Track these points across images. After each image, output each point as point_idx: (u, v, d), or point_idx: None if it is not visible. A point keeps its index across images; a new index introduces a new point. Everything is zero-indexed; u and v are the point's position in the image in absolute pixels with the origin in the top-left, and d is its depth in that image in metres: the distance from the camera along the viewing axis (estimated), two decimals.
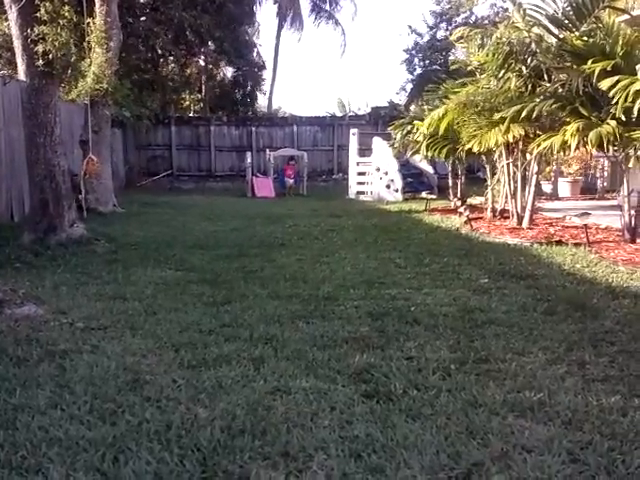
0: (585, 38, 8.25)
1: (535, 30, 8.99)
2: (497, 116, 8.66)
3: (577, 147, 7.83)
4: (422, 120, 12.18)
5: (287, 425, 2.85)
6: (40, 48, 7.17)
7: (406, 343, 4.01)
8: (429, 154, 12.42)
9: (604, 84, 7.12)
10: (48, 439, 2.70)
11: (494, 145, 9.32)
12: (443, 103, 10.46)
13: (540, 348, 3.92)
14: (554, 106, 7.88)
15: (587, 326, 4.37)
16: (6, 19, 13.08)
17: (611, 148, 7.95)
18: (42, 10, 7.09)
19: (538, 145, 8.17)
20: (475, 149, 9.57)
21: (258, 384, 3.33)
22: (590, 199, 14.45)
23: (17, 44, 7.52)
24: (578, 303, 4.94)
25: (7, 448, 2.63)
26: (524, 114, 7.98)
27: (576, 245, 7.78)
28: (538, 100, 8.21)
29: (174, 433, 2.76)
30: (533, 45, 8.76)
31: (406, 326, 4.40)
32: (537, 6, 8.94)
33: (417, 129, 12.19)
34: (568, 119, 7.85)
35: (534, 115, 7.93)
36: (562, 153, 10.24)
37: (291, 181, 18.27)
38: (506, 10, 20.92)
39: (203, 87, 25.23)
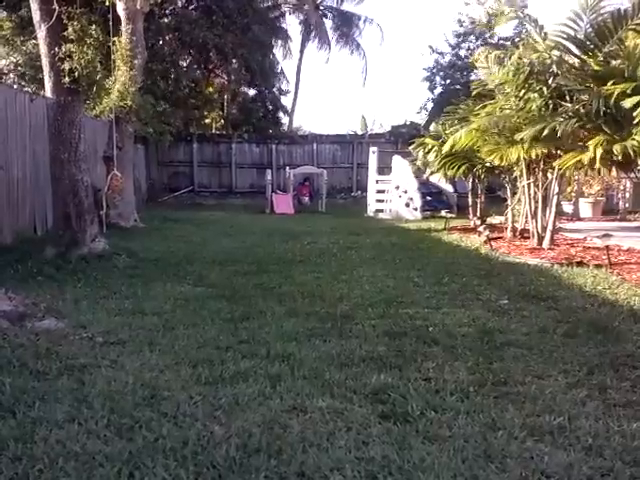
0: (607, 61, 8.24)
1: (555, 52, 8.98)
2: (520, 135, 8.62)
3: (596, 161, 7.77)
4: (438, 139, 12.25)
5: (303, 445, 2.83)
6: (67, 66, 7.32)
7: (424, 364, 3.98)
8: (449, 173, 12.45)
9: (627, 102, 7.09)
10: (65, 453, 2.72)
11: (515, 160, 9.27)
12: (463, 123, 10.48)
13: (560, 371, 3.87)
14: (577, 124, 7.85)
15: (608, 349, 4.30)
16: (33, 39, 13.45)
17: (635, 167, 7.89)
18: (70, 29, 7.26)
19: (563, 162, 8.12)
20: (496, 162, 9.53)
21: (274, 402, 3.32)
22: (612, 220, 14.30)
23: (45, 62, 7.69)
24: (599, 326, 4.87)
25: (25, 461, 2.65)
26: (546, 132, 7.95)
27: (597, 267, 7.68)
28: (560, 119, 8.17)
29: (190, 450, 2.76)
30: (554, 66, 8.75)
31: (424, 346, 4.37)
32: (560, 29, 8.94)
33: (432, 147, 12.24)
34: (591, 134, 7.81)
35: (559, 133, 7.89)
36: (585, 172, 10.18)
37: (306, 199, 18.79)
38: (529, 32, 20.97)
39: (225, 105, 25.53)
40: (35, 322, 4.68)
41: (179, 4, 20.33)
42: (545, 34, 9.01)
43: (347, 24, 28.53)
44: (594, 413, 3.22)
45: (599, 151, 7.35)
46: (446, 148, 10.77)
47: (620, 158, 7.27)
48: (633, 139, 7.27)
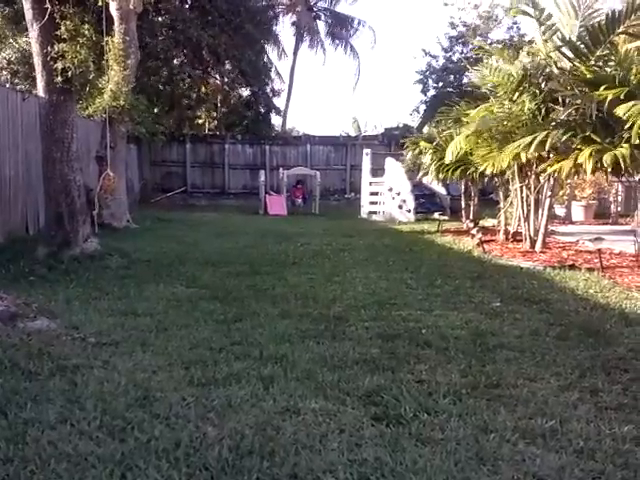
0: (599, 65, 8.28)
1: (551, 54, 9.03)
2: (509, 147, 8.64)
3: (592, 171, 7.80)
4: (431, 142, 12.29)
5: (296, 446, 2.83)
6: (59, 65, 7.29)
7: (417, 366, 3.99)
8: (441, 175, 12.48)
9: (620, 110, 7.10)
10: (57, 454, 2.71)
11: (507, 166, 9.31)
12: (456, 125, 10.53)
13: (552, 374, 3.88)
14: (566, 136, 7.87)
15: (600, 352, 4.32)
16: (25, 36, 13.37)
17: (626, 172, 7.92)
18: (62, 28, 7.23)
19: (550, 166, 8.17)
20: (489, 171, 9.59)
21: (267, 404, 3.32)
22: (604, 223, 14.37)
23: (37, 61, 7.66)
24: (591, 329, 4.90)
25: (16, 462, 2.63)
26: (533, 147, 7.97)
27: (589, 270, 7.72)
28: (551, 127, 8.20)
29: (182, 451, 2.76)
30: (548, 69, 8.78)
31: (417, 348, 4.38)
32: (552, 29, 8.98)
33: (425, 149, 12.28)
34: (580, 146, 7.84)
35: (547, 146, 7.92)
36: (576, 176, 10.24)
37: (299, 201, 18.78)
38: (522, 36, 21.18)
39: (218, 105, 25.48)
40: (27, 322, 4.66)
41: (173, 1, 20.25)
42: (551, 33, 8.98)
43: (340, 25, 28.56)
44: (586, 416, 3.23)
45: (589, 166, 7.37)
46: (448, 159, 10.74)
47: (610, 169, 7.30)
48: (622, 147, 7.28)
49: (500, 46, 12.36)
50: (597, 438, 2.97)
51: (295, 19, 27.80)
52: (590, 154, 7.36)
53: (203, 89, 23.75)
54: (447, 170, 11.81)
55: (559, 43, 8.83)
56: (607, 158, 7.16)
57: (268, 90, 25.08)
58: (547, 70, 8.86)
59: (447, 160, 10.89)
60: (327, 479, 2.57)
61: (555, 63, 8.92)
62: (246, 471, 2.61)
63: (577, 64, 8.45)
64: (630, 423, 3.13)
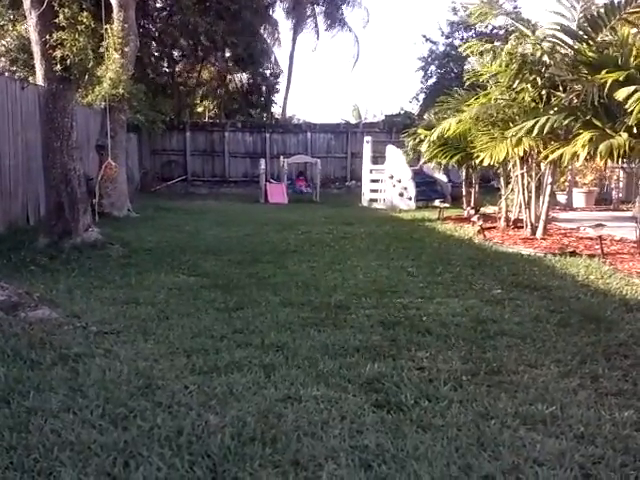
0: (599, 49, 8.22)
1: (550, 40, 8.96)
2: (510, 132, 8.59)
3: (587, 159, 7.79)
4: (431, 129, 12.26)
5: (297, 433, 2.85)
6: (58, 53, 7.26)
7: (417, 353, 4.00)
8: (442, 161, 12.45)
9: (620, 94, 7.05)
10: (60, 442, 2.73)
11: (504, 158, 9.28)
12: (455, 115, 10.50)
13: (553, 360, 3.89)
14: (567, 120, 7.82)
15: (601, 339, 4.33)
16: (25, 23, 13.26)
17: (624, 159, 7.91)
18: (61, 16, 7.19)
19: (547, 156, 8.14)
20: (486, 162, 9.56)
21: (269, 391, 3.33)
22: (605, 210, 14.34)
23: (36, 49, 7.63)
24: (592, 315, 4.91)
25: (20, 451, 2.65)
26: (536, 130, 7.93)
27: (590, 256, 7.71)
28: (552, 112, 8.16)
29: (185, 439, 2.77)
30: (545, 57, 8.73)
31: (418, 336, 4.39)
32: (553, 18, 8.92)
33: (425, 136, 12.24)
34: (581, 130, 7.80)
35: (545, 130, 7.87)
36: (576, 163, 10.22)
37: (303, 189, 19.13)
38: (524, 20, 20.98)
39: (218, 93, 25.37)
40: (29, 312, 4.67)
41: None
42: (534, 26, 8.97)
43: (338, 10, 28.34)
44: (586, 402, 3.25)
45: (583, 153, 7.35)
46: (434, 136, 10.76)
47: (603, 159, 7.29)
48: (620, 136, 7.23)
49: (502, 32, 12.26)
50: (597, 423, 2.99)
51: (292, 5, 27.57)
52: (590, 139, 7.33)
53: (202, 76, 23.65)
54: (445, 155, 11.78)
55: (555, 32, 8.77)
56: (602, 148, 7.11)
57: (268, 74, 24.96)
58: (545, 58, 8.79)
59: (433, 137, 10.91)
60: (329, 465, 2.59)
61: (554, 49, 8.85)
62: (248, 458, 2.63)
63: (579, 47, 8.39)
64: (630, 408, 3.14)
